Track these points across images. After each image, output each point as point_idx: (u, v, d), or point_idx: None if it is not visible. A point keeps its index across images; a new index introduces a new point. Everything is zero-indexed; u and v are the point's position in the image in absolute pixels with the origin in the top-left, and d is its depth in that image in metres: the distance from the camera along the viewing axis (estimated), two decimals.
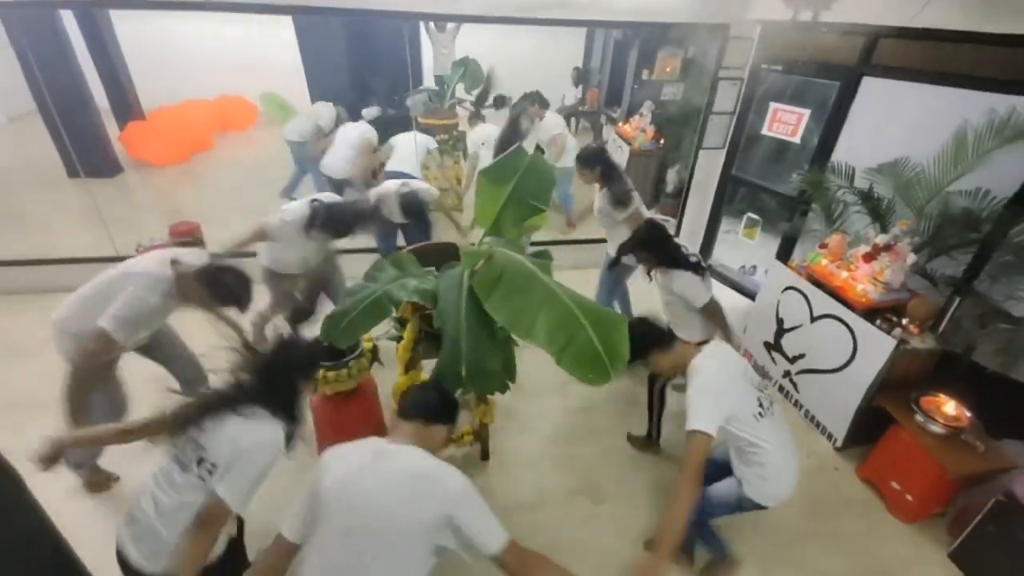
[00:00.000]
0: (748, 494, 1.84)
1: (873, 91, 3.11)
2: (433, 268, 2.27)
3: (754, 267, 4.30)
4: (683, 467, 1.66)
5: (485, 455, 2.72)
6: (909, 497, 2.48)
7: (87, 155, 5.20)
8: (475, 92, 5.96)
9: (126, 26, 5.89)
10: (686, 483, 1.63)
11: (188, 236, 3.93)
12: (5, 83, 6.18)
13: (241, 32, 6.31)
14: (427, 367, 2.63)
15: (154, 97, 6.49)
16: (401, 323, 2.56)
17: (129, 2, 3.00)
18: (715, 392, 1.75)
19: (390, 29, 5.47)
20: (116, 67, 6.03)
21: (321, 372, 2.27)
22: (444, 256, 2.42)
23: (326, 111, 4.97)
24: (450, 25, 6.21)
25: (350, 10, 3.13)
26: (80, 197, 4.95)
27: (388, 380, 2.54)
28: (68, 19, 5.20)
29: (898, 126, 3.00)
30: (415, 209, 3.06)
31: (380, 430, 2.65)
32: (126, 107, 6.19)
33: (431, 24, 6.12)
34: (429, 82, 6.48)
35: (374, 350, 2.54)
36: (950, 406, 2.49)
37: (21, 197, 5.45)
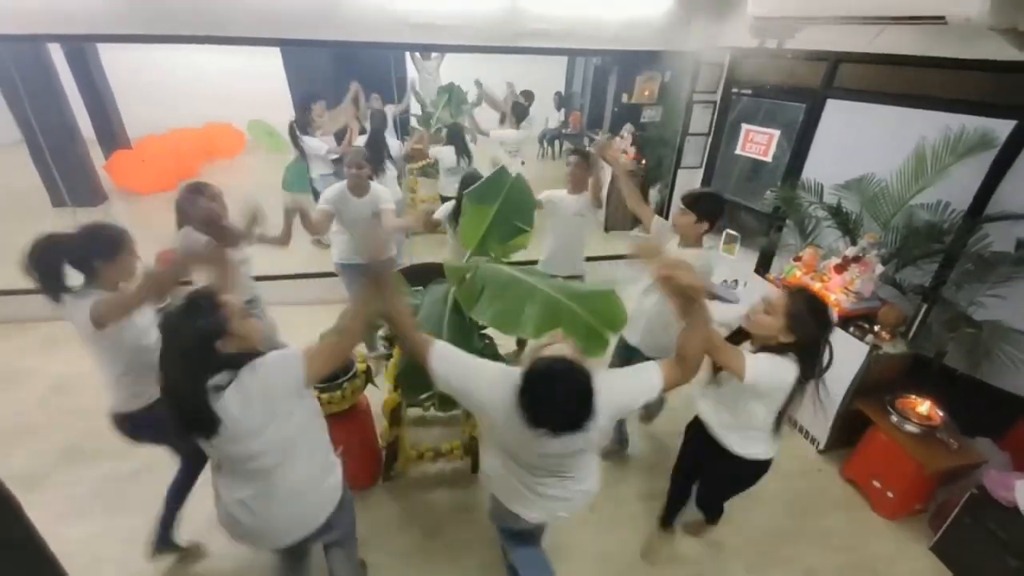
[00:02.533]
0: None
1: (837, 112, 3.29)
2: (421, 287, 2.33)
3: (736, 281, 4.42)
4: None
5: (475, 468, 2.75)
6: (890, 494, 2.58)
7: (73, 184, 5.19)
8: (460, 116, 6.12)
9: (112, 55, 5.95)
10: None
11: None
12: None
13: (228, 60, 6.40)
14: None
15: (140, 125, 6.53)
16: (390, 341, 2.61)
17: (118, 36, 3.06)
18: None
19: (376, 56, 5.62)
20: (102, 96, 6.07)
21: (316, 394, 2.30)
22: (431, 275, 2.49)
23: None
24: (435, 53, 6.40)
25: (335, 42, 3.26)
26: (65, 225, 4.93)
27: (379, 395, 2.59)
28: (54, 48, 5.24)
29: (862, 144, 3.18)
30: None
31: (374, 447, 2.68)
32: (112, 136, 6.22)
33: (416, 52, 6.30)
34: (415, 109, 6.64)
35: (368, 371, 2.58)
36: (923, 406, 2.62)
37: (5, 227, 5.40)
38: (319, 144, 4.72)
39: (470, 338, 1.91)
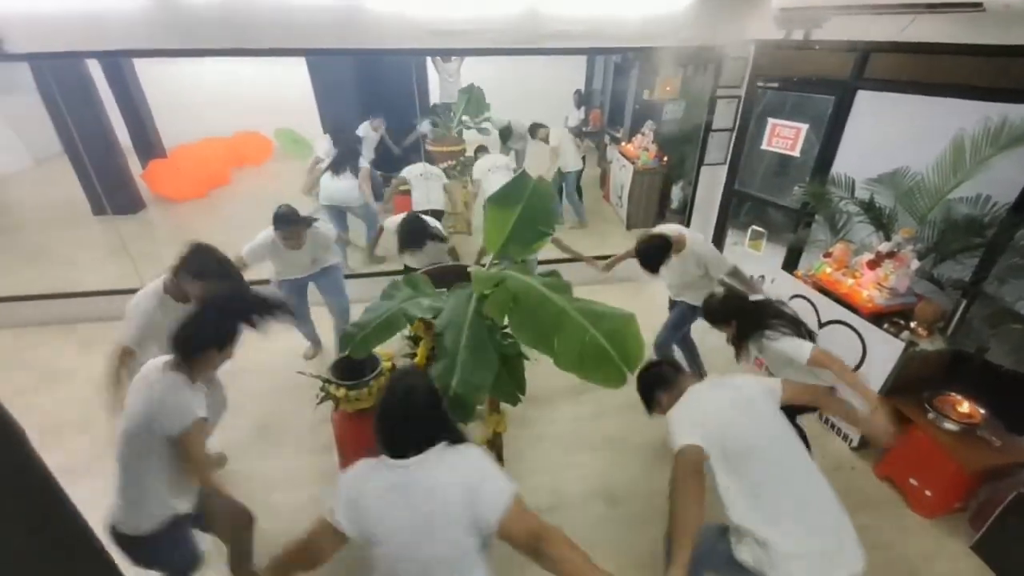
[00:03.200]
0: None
1: (868, 104, 3.19)
2: (445, 289, 2.36)
3: (763, 277, 4.34)
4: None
5: (499, 463, 2.77)
6: (928, 493, 2.50)
7: (112, 193, 5.42)
8: (480, 120, 6.17)
9: (146, 68, 6.21)
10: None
11: None
12: (33, 128, 6.52)
13: (256, 70, 6.59)
14: None
15: (174, 134, 6.78)
16: (415, 341, 2.65)
17: (153, 52, 3.20)
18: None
19: (398, 61, 5.71)
20: (138, 108, 6.33)
21: (343, 391, 2.36)
22: (457, 278, 2.52)
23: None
24: (454, 56, 6.46)
25: (358, 50, 3.32)
26: (105, 233, 5.16)
27: None
28: (92, 63, 5.48)
29: (895, 137, 3.08)
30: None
31: None
32: (148, 145, 6.47)
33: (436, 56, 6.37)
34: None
35: (393, 369, 2.62)
36: (963, 404, 2.53)
37: (50, 235, 5.69)
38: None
39: (493, 336, 1.94)
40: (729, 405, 1.67)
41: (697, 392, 1.75)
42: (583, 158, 5.74)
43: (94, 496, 2.52)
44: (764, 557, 1.46)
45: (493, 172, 4.63)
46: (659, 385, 1.85)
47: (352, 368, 2.44)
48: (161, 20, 3.05)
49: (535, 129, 5.48)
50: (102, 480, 2.70)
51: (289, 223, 2.89)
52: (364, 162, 4.53)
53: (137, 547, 1.69)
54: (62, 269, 4.85)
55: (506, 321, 1.85)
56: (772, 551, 1.44)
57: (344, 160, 4.40)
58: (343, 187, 4.41)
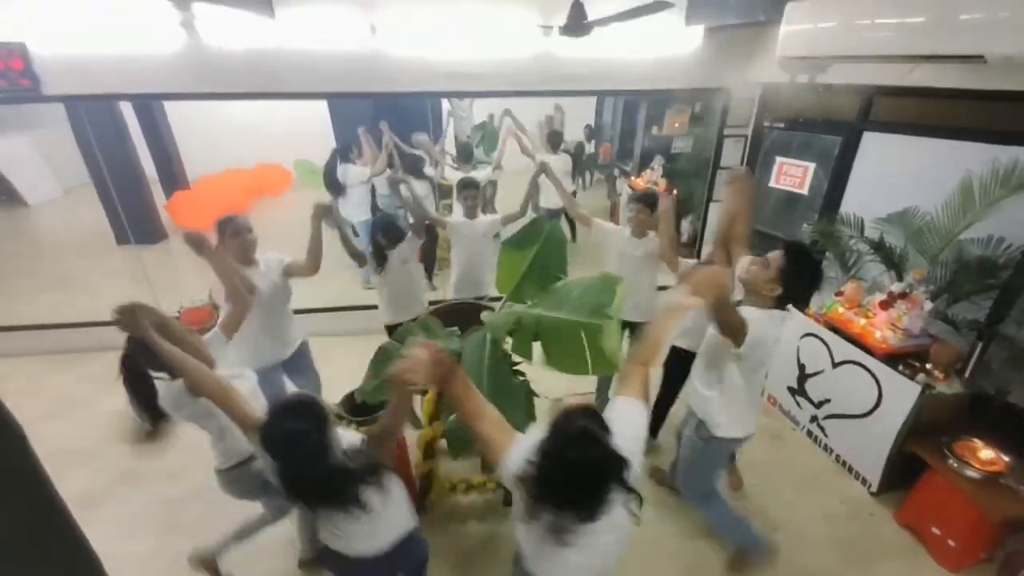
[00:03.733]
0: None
1: (875, 145, 3.23)
2: (456, 328, 2.39)
3: None
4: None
5: (507, 501, 2.73)
6: (952, 543, 2.41)
7: (136, 223, 5.61)
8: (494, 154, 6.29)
9: (174, 102, 6.48)
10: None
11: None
12: (63, 158, 6.80)
13: (276, 104, 6.84)
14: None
15: (197, 166, 7.03)
16: None
17: (183, 95, 3.37)
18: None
19: (413, 100, 5.90)
20: (165, 141, 6.59)
21: (353, 427, 2.37)
22: (465, 315, 2.55)
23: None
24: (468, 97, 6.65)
25: (378, 93, 3.46)
26: (128, 262, 5.32)
27: (413, 431, 2.65)
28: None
29: (903, 177, 3.10)
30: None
31: (408, 478, 2.71)
32: (173, 177, 6.71)
33: None
34: (450, 145, 6.89)
35: None
36: (985, 450, 2.45)
37: (75, 263, 5.88)
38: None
39: (509, 380, 1.97)
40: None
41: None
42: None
43: (106, 524, 2.58)
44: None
45: None
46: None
47: (362, 404, 2.46)
48: (192, 66, 3.22)
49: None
50: (115, 508, 2.75)
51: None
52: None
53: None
54: (84, 297, 4.98)
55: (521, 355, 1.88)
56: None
57: None
58: None
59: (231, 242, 2.48)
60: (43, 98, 3.19)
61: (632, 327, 2.94)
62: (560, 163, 5.13)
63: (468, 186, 3.26)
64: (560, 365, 1.78)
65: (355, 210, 4.99)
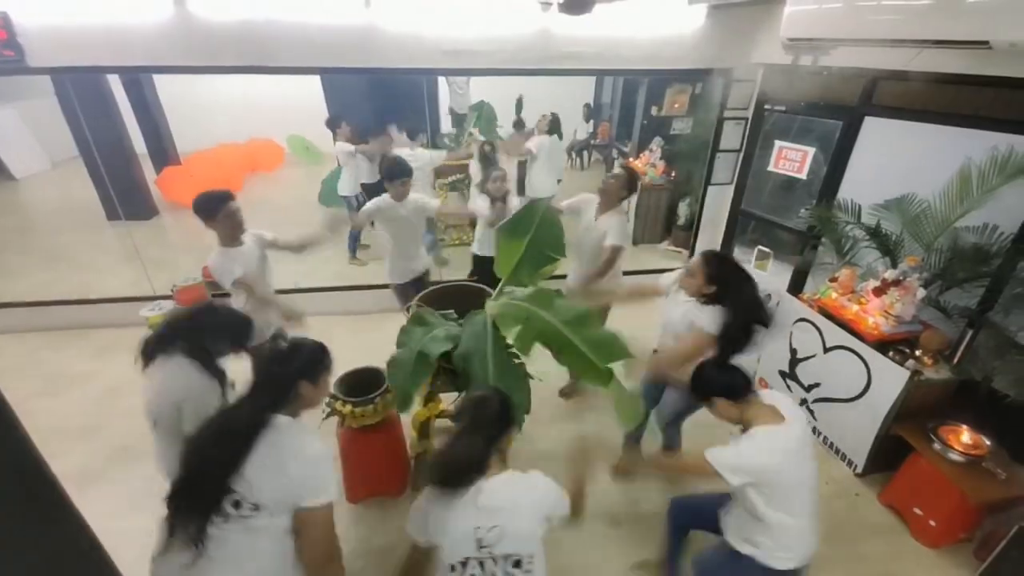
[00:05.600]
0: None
1: (876, 130, 3.21)
2: (452, 311, 2.39)
3: (769, 295, 4.34)
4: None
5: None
6: (933, 523, 2.49)
7: (127, 199, 5.52)
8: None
9: (163, 76, 6.32)
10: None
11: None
12: (51, 131, 6.64)
13: (270, 78, 6.70)
14: (444, 399, 2.76)
15: (189, 141, 6.89)
16: None
17: (173, 68, 3.28)
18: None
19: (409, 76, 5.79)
20: (155, 115, 6.45)
21: (348, 408, 2.39)
22: (460, 297, 2.55)
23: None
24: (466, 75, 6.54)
25: (374, 69, 3.39)
26: (119, 239, 5.26)
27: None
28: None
29: (902, 163, 3.09)
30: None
31: (403, 457, 2.76)
32: (163, 153, 6.59)
33: None
34: (446, 119, 6.79)
35: None
36: (968, 435, 2.52)
37: (64, 239, 5.80)
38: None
39: (516, 366, 2.03)
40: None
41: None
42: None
43: (104, 501, 2.60)
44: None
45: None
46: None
47: (358, 384, 2.48)
48: (182, 38, 3.13)
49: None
50: (113, 485, 2.78)
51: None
52: None
53: None
54: (76, 273, 4.94)
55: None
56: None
57: None
58: None
59: (222, 222, 2.48)
60: (28, 70, 3.10)
61: None
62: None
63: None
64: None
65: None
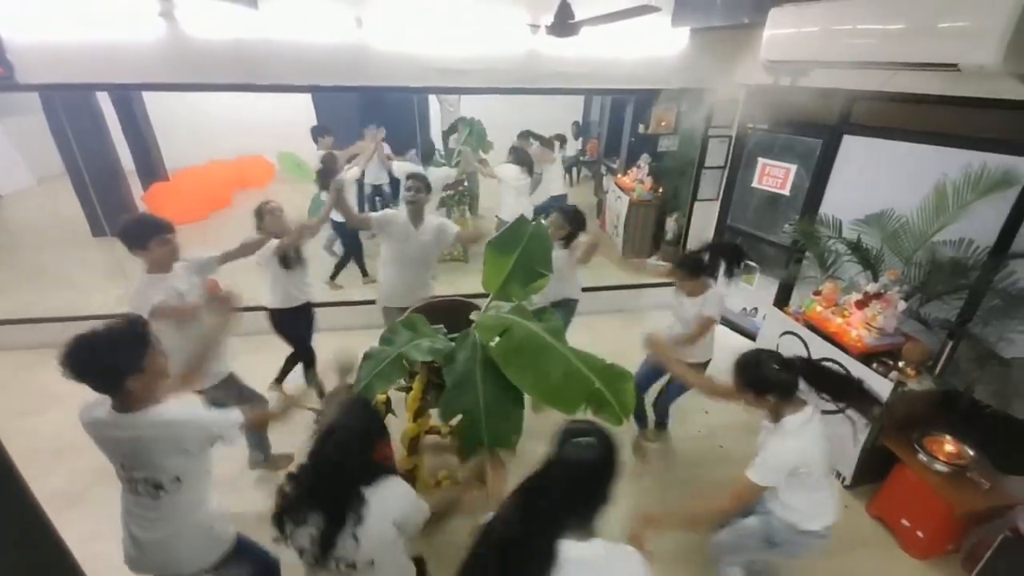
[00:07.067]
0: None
1: (855, 147, 3.31)
2: (442, 326, 2.40)
3: (755, 309, 4.41)
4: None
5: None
6: (920, 534, 2.51)
7: (113, 215, 5.48)
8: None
9: (153, 93, 6.32)
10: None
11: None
12: (36, 147, 6.60)
13: (260, 96, 6.73)
14: (434, 415, 2.73)
15: (178, 158, 6.87)
16: (410, 375, 2.67)
17: (164, 85, 3.29)
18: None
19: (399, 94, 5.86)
20: (143, 131, 6.43)
21: None
22: (452, 312, 2.56)
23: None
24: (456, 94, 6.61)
25: (365, 87, 3.43)
26: (104, 255, 5.20)
27: (398, 427, 2.64)
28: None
29: (881, 180, 3.18)
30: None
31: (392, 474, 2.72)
32: (151, 169, 6.56)
33: None
34: (436, 137, 6.85)
35: (387, 401, 2.64)
36: (952, 445, 2.55)
37: (50, 255, 5.71)
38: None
39: (507, 389, 1.99)
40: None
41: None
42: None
43: (85, 522, 2.53)
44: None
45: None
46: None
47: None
48: (173, 55, 3.15)
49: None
50: (96, 506, 2.70)
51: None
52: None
53: None
54: (60, 290, 4.85)
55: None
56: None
57: None
58: None
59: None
60: (18, 87, 3.09)
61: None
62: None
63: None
64: (526, 380, 1.87)
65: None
